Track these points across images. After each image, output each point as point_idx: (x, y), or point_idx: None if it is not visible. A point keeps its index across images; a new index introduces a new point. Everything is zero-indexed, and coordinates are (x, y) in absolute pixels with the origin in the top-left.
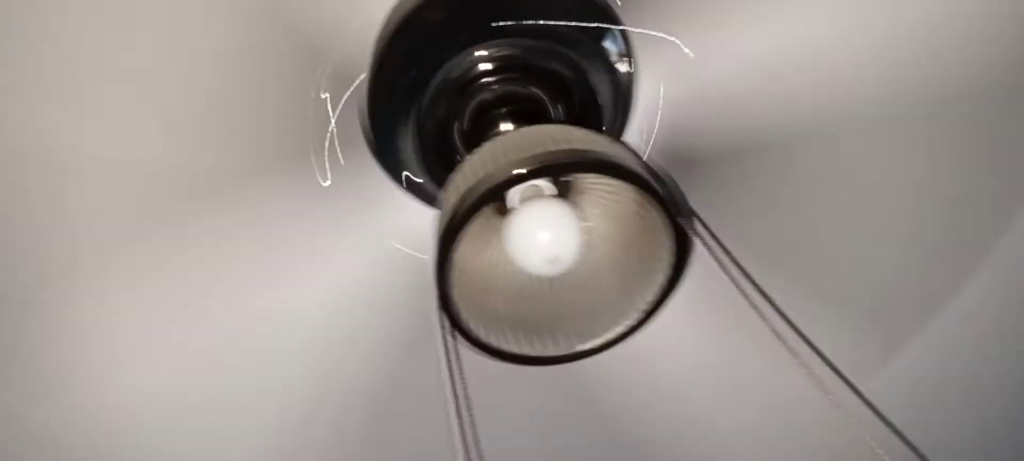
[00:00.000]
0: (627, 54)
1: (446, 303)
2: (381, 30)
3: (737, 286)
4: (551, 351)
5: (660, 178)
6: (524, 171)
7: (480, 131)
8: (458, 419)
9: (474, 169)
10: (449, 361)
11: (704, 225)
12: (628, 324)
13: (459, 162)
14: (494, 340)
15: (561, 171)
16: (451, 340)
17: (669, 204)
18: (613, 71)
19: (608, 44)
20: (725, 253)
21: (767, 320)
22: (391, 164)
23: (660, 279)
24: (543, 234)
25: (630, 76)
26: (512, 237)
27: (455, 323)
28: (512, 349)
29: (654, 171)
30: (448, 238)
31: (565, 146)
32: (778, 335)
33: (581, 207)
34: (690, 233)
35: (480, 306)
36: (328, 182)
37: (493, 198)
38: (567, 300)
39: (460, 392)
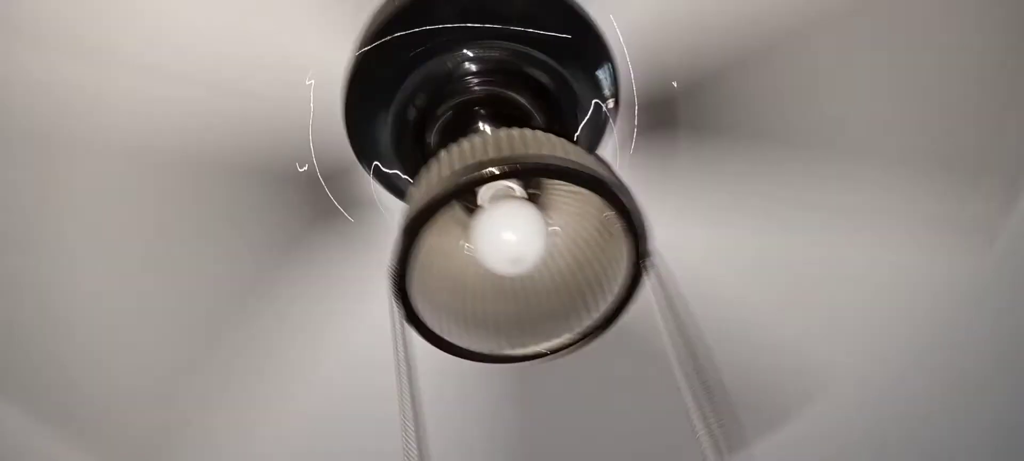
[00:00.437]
0: (612, 68)
1: (402, 294)
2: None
3: (670, 335)
4: (502, 350)
5: (628, 192)
6: (495, 171)
7: (458, 130)
8: (403, 410)
9: (443, 166)
10: (398, 349)
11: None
12: (569, 339)
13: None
14: (446, 333)
15: (527, 174)
16: (401, 329)
17: (633, 217)
18: (596, 82)
19: (592, 61)
20: (669, 305)
21: (691, 378)
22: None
23: (605, 305)
24: (508, 234)
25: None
26: (478, 234)
27: (409, 313)
28: (462, 344)
29: (624, 186)
30: (410, 231)
31: (537, 151)
32: (692, 397)
33: (549, 214)
34: (646, 261)
35: (437, 300)
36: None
37: (457, 196)
38: (523, 303)
39: (406, 385)
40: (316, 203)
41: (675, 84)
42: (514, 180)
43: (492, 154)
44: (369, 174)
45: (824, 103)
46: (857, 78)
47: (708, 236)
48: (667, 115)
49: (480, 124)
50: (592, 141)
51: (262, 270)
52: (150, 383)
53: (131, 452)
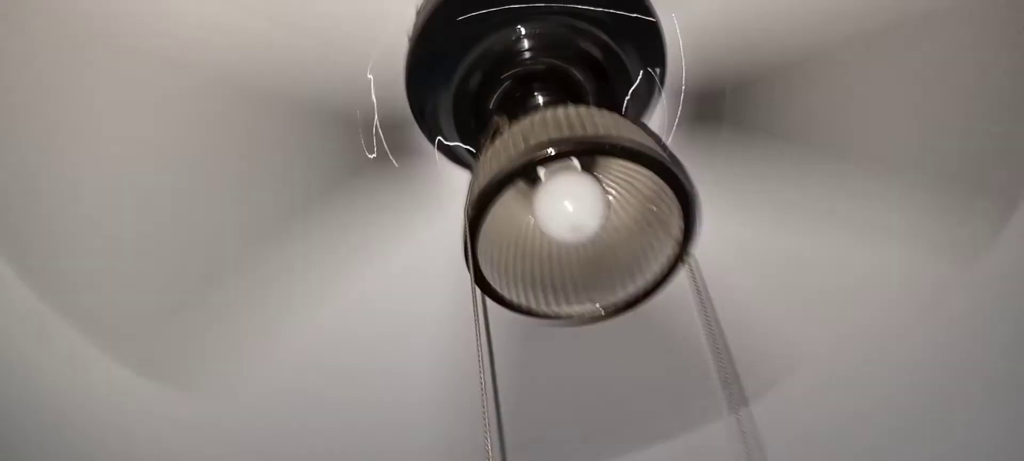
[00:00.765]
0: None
1: (474, 264)
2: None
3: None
4: (565, 312)
5: (678, 163)
6: (552, 152)
7: (515, 101)
8: (482, 370)
9: (506, 146)
10: (477, 316)
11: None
12: (598, 311)
13: (494, 135)
14: (515, 297)
15: (584, 153)
16: (479, 295)
17: (681, 183)
18: (646, 57)
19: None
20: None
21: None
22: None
23: (662, 260)
24: (568, 204)
25: (662, 59)
26: (540, 206)
27: (480, 280)
28: (530, 306)
29: (673, 157)
30: (477, 210)
31: (591, 131)
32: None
33: (604, 182)
34: (697, 220)
35: (506, 267)
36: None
37: (518, 177)
38: (585, 266)
39: (484, 346)
40: (366, 144)
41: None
42: (566, 159)
43: (553, 134)
44: (433, 145)
45: (851, 120)
46: (882, 99)
47: (728, 226)
48: (711, 109)
49: (536, 96)
50: (637, 112)
51: (311, 197)
52: (185, 287)
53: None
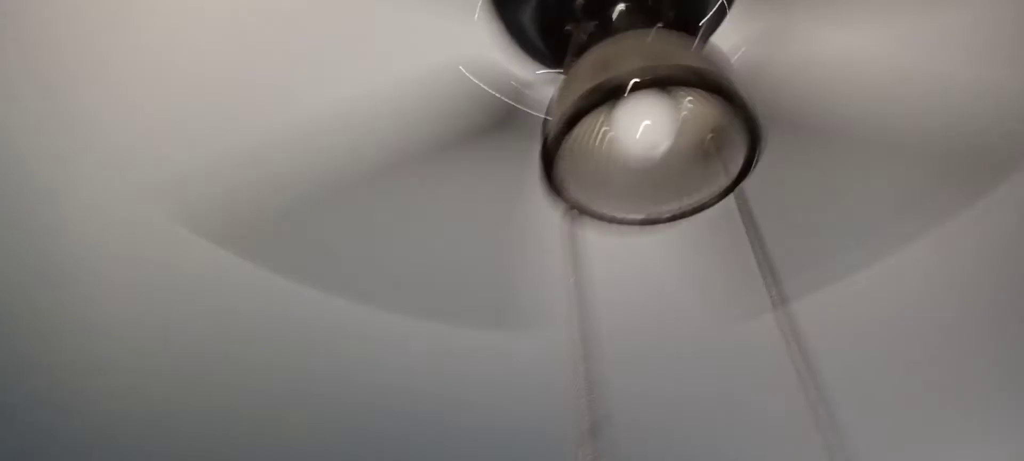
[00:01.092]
0: None
1: (555, 180)
2: None
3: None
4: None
5: (748, 96)
6: (637, 80)
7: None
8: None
9: (588, 72)
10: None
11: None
12: (696, 202)
13: (577, 55)
14: (596, 206)
15: (670, 83)
16: (565, 211)
17: (753, 119)
18: None
19: None
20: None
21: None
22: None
23: (731, 172)
24: (645, 123)
25: None
26: (620, 123)
27: (561, 194)
28: (610, 213)
29: (743, 89)
30: (560, 132)
31: (672, 61)
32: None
33: (677, 100)
34: (762, 142)
35: (586, 178)
36: None
37: (598, 105)
38: (660, 176)
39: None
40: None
41: None
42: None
43: (635, 63)
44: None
45: None
46: None
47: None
48: None
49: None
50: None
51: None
52: None
53: None
